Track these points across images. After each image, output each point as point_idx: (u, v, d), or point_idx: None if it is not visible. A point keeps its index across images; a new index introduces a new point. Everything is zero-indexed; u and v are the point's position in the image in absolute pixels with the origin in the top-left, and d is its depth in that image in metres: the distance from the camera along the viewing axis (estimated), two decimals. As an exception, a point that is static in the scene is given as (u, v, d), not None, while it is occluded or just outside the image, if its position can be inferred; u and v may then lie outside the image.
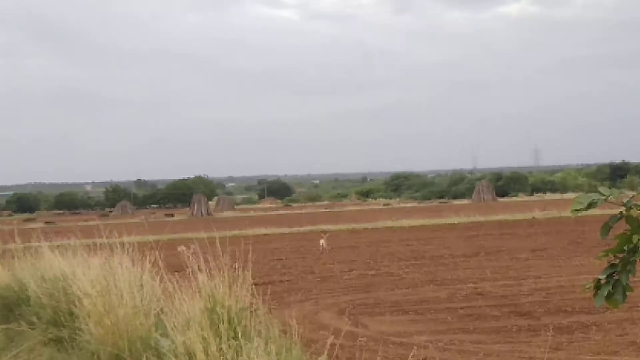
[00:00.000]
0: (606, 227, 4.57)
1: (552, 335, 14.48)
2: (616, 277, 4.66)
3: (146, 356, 10.07)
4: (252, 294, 10.02)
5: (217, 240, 10.48)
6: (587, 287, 4.86)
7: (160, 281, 12.39)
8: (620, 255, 4.64)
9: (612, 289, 4.66)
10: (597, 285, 4.75)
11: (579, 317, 16.20)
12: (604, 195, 4.50)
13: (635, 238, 4.52)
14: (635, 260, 4.61)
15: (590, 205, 4.50)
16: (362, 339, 14.43)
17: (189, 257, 10.37)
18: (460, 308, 18.02)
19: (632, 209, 4.47)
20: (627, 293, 4.66)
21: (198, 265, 10.03)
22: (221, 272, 9.92)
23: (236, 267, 10.15)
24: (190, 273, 10.21)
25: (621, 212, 4.49)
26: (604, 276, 4.71)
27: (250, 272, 10.29)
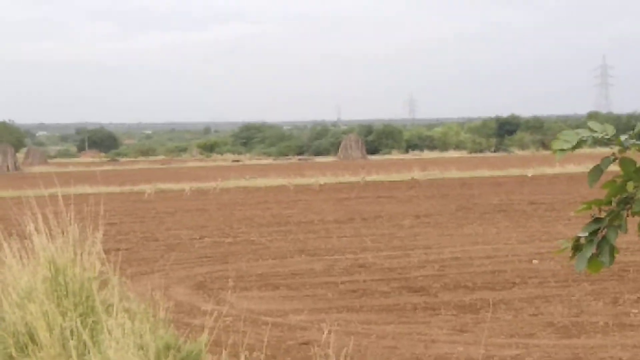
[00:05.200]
0: (596, 172, 4.44)
1: (454, 315, 14.68)
2: (602, 235, 4.56)
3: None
4: (103, 262, 9.67)
5: (61, 199, 10.08)
6: (563, 247, 4.75)
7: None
8: (608, 208, 4.55)
9: (597, 249, 4.56)
10: (577, 246, 4.64)
11: (482, 293, 16.47)
12: (595, 131, 4.37)
13: (630, 186, 4.42)
14: (625, 214, 4.53)
15: (579, 144, 4.37)
16: (227, 319, 14.22)
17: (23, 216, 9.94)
18: (341, 282, 18.06)
19: (628, 148, 4.36)
20: (615, 255, 4.60)
21: (35, 226, 9.61)
22: (64, 234, 9.52)
23: (77, 228, 9.77)
24: (24, 235, 9.76)
25: (614, 154, 4.38)
26: (586, 233, 4.60)
27: (101, 234, 9.93)
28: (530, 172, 58.71)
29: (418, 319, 14.42)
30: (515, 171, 61.00)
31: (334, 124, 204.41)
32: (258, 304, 16.07)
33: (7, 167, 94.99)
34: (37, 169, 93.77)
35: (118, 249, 23.84)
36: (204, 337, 7.84)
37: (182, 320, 14.29)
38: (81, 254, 9.38)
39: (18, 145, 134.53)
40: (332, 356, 7.46)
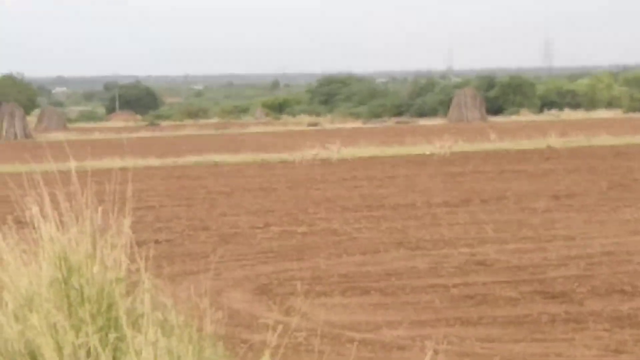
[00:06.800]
0: None
1: (606, 330, 14.38)
2: None
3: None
4: (132, 258, 9.56)
5: (78, 175, 10.04)
6: None
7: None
8: None
9: None
10: None
11: (645, 300, 16.18)
12: None
13: None
14: None
15: None
16: (299, 335, 14.11)
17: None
18: (453, 286, 17.86)
19: None
20: None
21: (40, 209, 9.54)
22: (80, 221, 9.44)
23: (99, 213, 9.68)
24: (26, 223, 9.69)
25: None
26: None
27: (129, 221, 9.86)
28: None
29: (558, 335, 14.17)
30: (689, 136, 60.15)
31: (444, 76, 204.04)
32: (341, 315, 15.94)
33: (15, 134, 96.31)
34: (54, 136, 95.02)
35: (156, 241, 23.93)
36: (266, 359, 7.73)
37: (238, 336, 14.22)
38: (102, 248, 9.26)
39: (29, 105, 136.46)
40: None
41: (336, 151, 54.93)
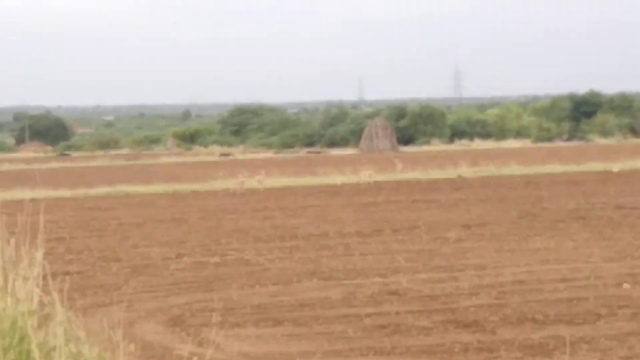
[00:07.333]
0: None
1: (518, 358, 14.44)
2: None
3: None
4: (44, 290, 9.49)
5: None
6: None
7: None
8: None
9: None
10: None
11: (556, 328, 16.26)
12: None
13: None
14: None
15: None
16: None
17: None
18: (367, 315, 17.83)
19: None
20: None
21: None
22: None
23: (10, 244, 9.59)
24: None
25: None
26: None
27: (41, 253, 9.79)
28: (616, 167, 58.47)
29: (470, 364, 14.21)
30: (596, 166, 60.81)
31: (355, 106, 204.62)
32: (254, 346, 15.86)
33: None
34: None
35: (67, 273, 23.70)
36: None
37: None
38: (13, 280, 9.14)
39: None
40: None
41: (260, 181, 54.88)
